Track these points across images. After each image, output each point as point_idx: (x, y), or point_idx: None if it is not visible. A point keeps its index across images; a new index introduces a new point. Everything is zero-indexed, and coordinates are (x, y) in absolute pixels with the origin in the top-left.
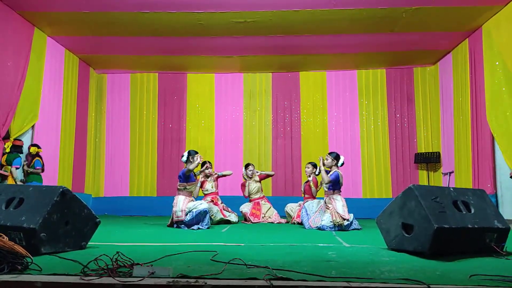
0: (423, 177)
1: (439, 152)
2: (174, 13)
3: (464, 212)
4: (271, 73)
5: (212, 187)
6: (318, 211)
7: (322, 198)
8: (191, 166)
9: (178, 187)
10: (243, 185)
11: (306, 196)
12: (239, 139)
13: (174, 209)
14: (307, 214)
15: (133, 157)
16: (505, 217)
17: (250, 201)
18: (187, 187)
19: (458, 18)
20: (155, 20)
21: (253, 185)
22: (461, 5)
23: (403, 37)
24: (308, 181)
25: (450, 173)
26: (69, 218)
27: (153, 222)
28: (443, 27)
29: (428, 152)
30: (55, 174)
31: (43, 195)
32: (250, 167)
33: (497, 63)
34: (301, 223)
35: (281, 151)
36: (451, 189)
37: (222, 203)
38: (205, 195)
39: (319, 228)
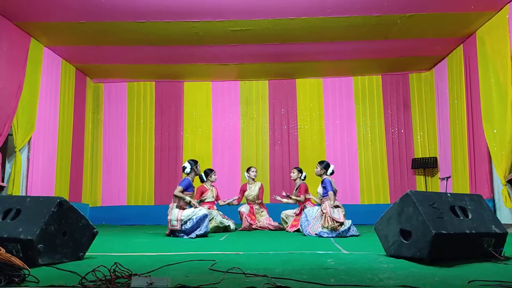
0: (420, 182)
1: (436, 157)
2: (170, 23)
3: (462, 218)
4: (267, 81)
5: (212, 197)
6: (316, 217)
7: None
8: (178, 192)
9: (175, 194)
10: (242, 190)
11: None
12: (236, 147)
13: (169, 217)
14: (307, 219)
15: (130, 166)
16: (503, 222)
17: (248, 203)
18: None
19: (452, 24)
20: (151, 29)
21: (252, 190)
22: (455, 12)
23: (398, 43)
24: (298, 187)
25: (447, 178)
26: (67, 228)
27: (151, 231)
28: (437, 33)
29: (425, 158)
30: (52, 184)
31: (40, 206)
32: (253, 169)
33: (489, 69)
34: (297, 231)
35: (278, 158)
36: (449, 194)
37: (218, 211)
38: (203, 203)
39: (317, 235)
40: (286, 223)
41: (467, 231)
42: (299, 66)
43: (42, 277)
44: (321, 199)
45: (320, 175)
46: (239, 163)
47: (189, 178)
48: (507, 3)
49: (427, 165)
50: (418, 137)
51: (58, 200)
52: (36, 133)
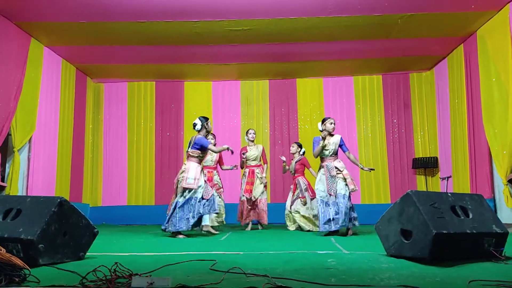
0: (421, 182)
1: (436, 157)
2: (170, 22)
3: (462, 218)
4: (268, 80)
5: (211, 160)
6: (334, 180)
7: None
8: (212, 148)
9: (191, 153)
10: (242, 153)
11: (296, 175)
12: (237, 146)
13: (184, 174)
14: (325, 204)
15: (130, 166)
16: (503, 221)
17: (245, 167)
18: (201, 154)
19: (453, 24)
20: (151, 29)
21: (253, 151)
22: (455, 11)
23: (399, 43)
24: (299, 160)
25: (448, 177)
26: (67, 228)
27: (152, 231)
28: (438, 33)
29: (426, 157)
30: (53, 184)
31: (40, 206)
32: (251, 130)
33: (490, 68)
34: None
35: (279, 157)
36: (449, 194)
37: (219, 179)
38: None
39: (341, 195)
40: (292, 219)
41: (468, 231)
42: (300, 66)
43: (42, 277)
44: (329, 157)
45: (330, 133)
46: (239, 163)
47: (201, 136)
48: (507, 3)
49: (428, 165)
50: (419, 136)
51: (59, 200)
52: (36, 133)
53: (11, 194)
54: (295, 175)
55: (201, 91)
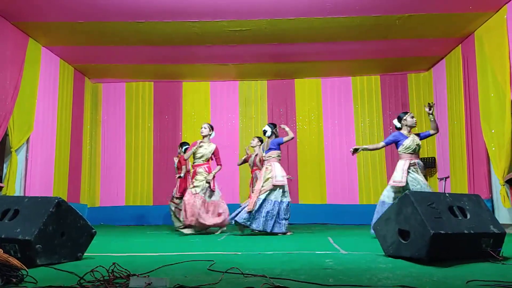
0: None
1: (434, 158)
2: (169, 22)
3: (460, 218)
4: (266, 81)
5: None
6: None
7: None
8: (286, 138)
9: (272, 155)
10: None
11: (254, 168)
12: (235, 147)
13: (273, 173)
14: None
15: (128, 167)
16: (501, 222)
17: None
18: (280, 154)
19: (451, 25)
20: (150, 29)
21: (202, 148)
22: (454, 12)
23: (397, 43)
24: (257, 154)
25: (446, 178)
26: (65, 229)
27: (150, 232)
28: (436, 33)
29: (424, 158)
30: (50, 185)
31: (38, 206)
32: (203, 125)
33: (488, 69)
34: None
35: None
36: (447, 194)
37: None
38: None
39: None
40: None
41: (466, 231)
42: (298, 66)
43: (40, 277)
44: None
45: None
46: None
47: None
48: (505, 4)
49: (426, 165)
50: None
51: (56, 201)
52: (34, 133)
53: (8, 194)
54: (253, 168)
55: (199, 92)
